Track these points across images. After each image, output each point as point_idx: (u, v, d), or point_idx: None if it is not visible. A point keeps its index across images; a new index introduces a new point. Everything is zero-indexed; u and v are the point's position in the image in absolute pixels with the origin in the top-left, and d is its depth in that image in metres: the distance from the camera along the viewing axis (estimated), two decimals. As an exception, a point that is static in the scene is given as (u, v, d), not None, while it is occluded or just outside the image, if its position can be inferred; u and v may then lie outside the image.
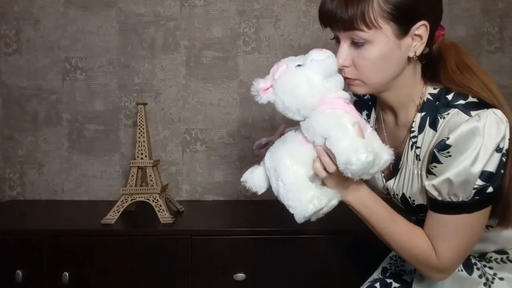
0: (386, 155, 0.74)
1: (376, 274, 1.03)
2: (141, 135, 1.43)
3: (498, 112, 0.74)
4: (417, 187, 0.83)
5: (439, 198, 0.78)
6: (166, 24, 1.74)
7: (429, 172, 0.79)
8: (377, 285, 0.99)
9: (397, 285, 0.97)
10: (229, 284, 1.24)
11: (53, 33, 1.74)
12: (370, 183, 0.91)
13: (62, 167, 1.76)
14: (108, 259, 1.25)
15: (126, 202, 1.38)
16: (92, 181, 1.76)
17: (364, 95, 0.98)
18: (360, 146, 0.69)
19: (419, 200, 0.84)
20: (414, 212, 0.85)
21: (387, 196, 0.92)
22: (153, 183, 1.40)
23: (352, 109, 0.77)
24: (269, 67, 1.80)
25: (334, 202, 0.77)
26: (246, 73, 1.74)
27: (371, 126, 0.96)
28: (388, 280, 0.99)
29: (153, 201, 1.39)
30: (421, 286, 0.91)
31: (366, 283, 1.02)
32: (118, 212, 1.36)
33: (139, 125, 1.44)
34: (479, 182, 0.74)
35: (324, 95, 0.76)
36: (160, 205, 1.38)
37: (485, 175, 0.73)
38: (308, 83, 0.75)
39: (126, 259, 1.25)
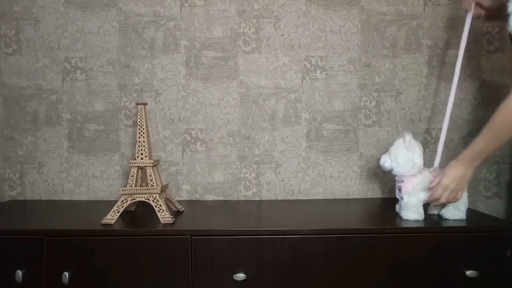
0: None
1: None
2: (141, 135, 1.43)
3: None
4: None
5: None
6: (166, 24, 1.74)
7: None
8: None
9: None
10: (229, 284, 1.24)
11: (53, 33, 1.74)
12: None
13: (62, 167, 1.76)
14: (108, 259, 1.25)
15: (126, 202, 1.38)
16: (92, 181, 1.76)
17: None
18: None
19: None
20: None
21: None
22: (153, 183, 1.40)
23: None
24: (269, 67, 1.82)
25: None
26: (246, 73, 1.74)
27: None
28: None
29: (153, 201, 1.39)
30: None
31: None
32: (118, 212, 1.36)
33: (139, 125, 1.44)
34: None
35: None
36: (160, 205, 1.38)
37: None
38: None
39: (126, 259, 1.25)
